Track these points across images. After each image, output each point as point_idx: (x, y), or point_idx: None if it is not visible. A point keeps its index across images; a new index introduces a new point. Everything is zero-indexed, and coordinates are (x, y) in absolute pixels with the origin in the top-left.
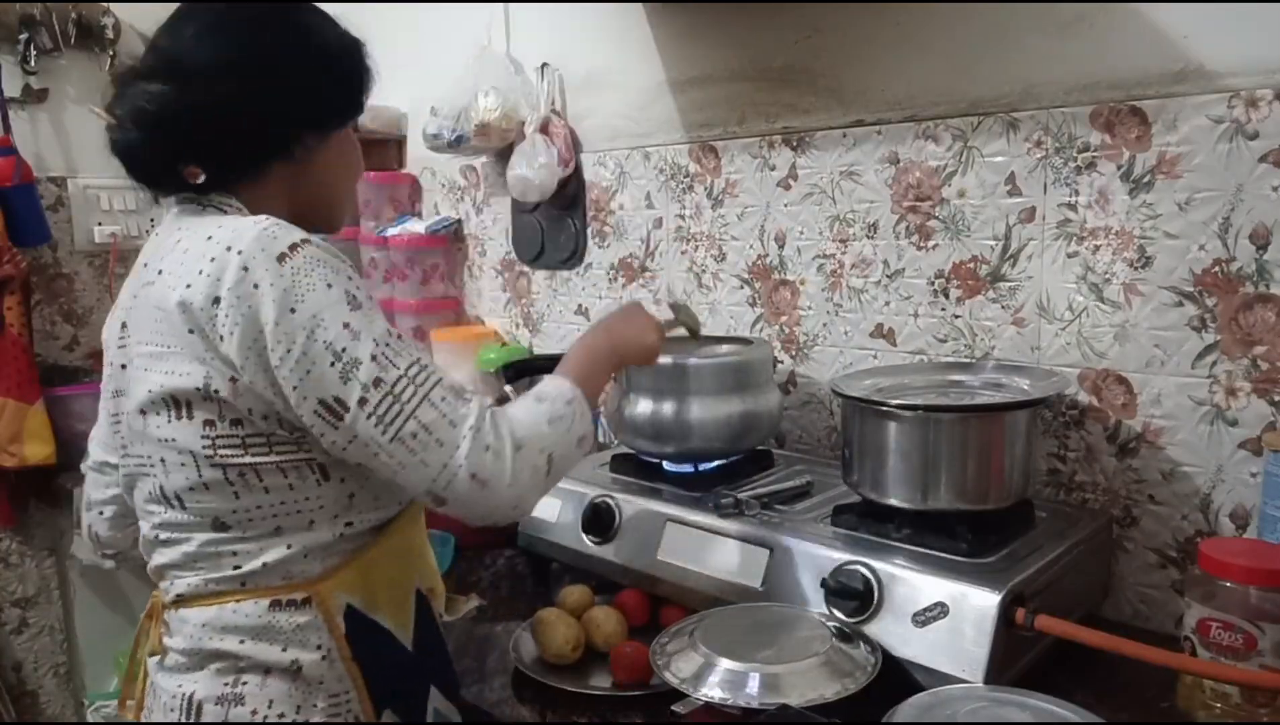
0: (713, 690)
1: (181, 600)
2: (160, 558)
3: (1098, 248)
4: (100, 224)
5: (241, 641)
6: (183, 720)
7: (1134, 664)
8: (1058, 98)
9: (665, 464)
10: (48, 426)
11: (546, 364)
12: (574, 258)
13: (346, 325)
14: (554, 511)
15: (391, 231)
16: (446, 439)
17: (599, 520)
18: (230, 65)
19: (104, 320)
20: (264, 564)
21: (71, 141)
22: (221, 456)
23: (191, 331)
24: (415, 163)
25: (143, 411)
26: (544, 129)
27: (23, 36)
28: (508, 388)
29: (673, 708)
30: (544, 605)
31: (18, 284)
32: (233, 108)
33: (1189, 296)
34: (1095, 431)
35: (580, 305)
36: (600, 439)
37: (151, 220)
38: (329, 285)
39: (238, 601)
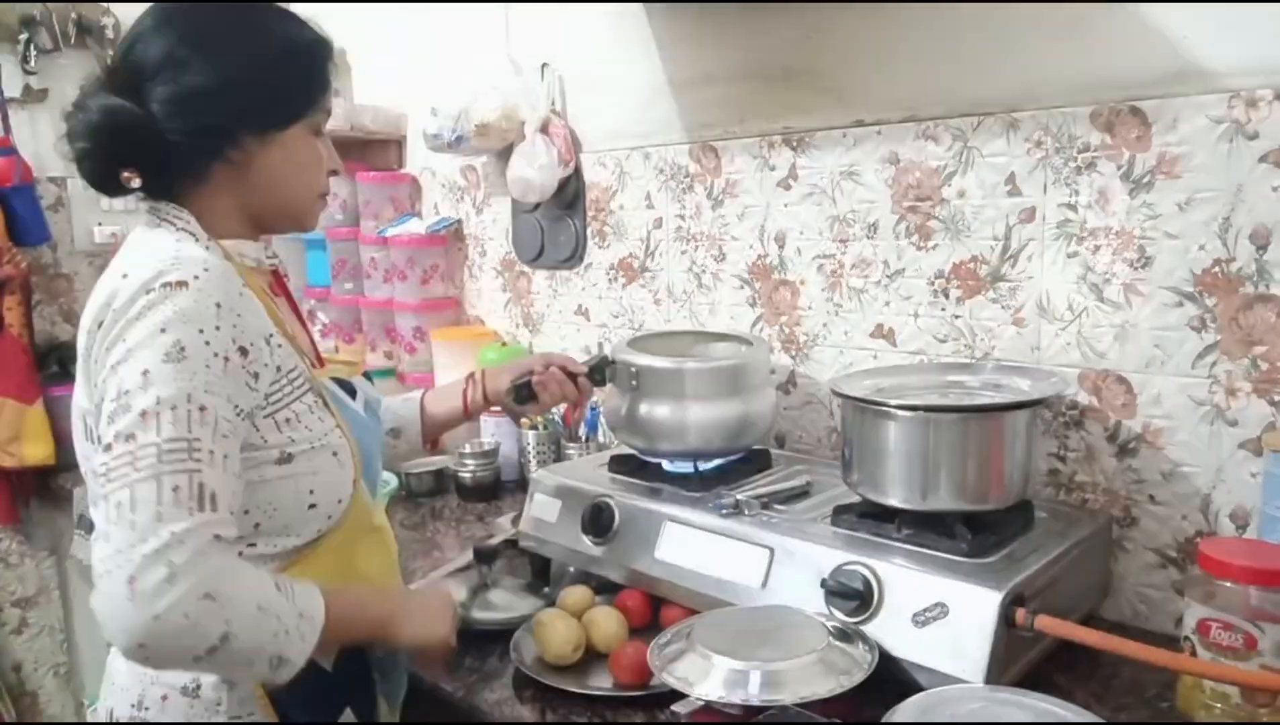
0: (711, 690)
1: None
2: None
3: (1098, 248)
4: (100, 224)
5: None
6: None
7: (1134, 664)
8: (1058, 98)
9: (665, 464)
10: (47, 427)
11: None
12: (574, 258)
13: (145, 372)
14: (554, 512)
15: (391, 231)
16: (142, 526)
17: (599, 520)
18: (156, 68)
19: None
20: None
21: None
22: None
23: (86, 353)
24: (415, 163)
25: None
26: (544, 129)
27: (23, 36)
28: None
29: (673, 708)
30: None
31: (18, 284)
32: (159, 112)
33: (1189, 296)
34: (1095, 432)
35: (580, 305)
36: (600, 439)
37: None
38: (163, 329)
39: None
